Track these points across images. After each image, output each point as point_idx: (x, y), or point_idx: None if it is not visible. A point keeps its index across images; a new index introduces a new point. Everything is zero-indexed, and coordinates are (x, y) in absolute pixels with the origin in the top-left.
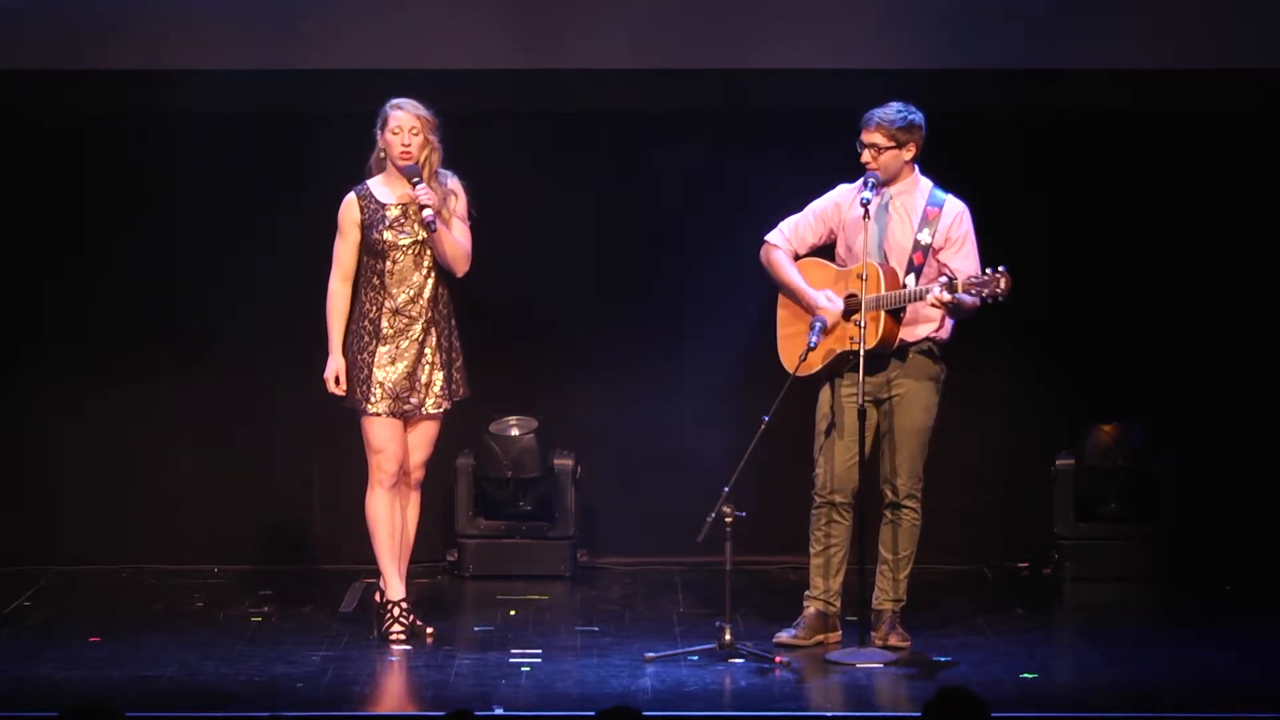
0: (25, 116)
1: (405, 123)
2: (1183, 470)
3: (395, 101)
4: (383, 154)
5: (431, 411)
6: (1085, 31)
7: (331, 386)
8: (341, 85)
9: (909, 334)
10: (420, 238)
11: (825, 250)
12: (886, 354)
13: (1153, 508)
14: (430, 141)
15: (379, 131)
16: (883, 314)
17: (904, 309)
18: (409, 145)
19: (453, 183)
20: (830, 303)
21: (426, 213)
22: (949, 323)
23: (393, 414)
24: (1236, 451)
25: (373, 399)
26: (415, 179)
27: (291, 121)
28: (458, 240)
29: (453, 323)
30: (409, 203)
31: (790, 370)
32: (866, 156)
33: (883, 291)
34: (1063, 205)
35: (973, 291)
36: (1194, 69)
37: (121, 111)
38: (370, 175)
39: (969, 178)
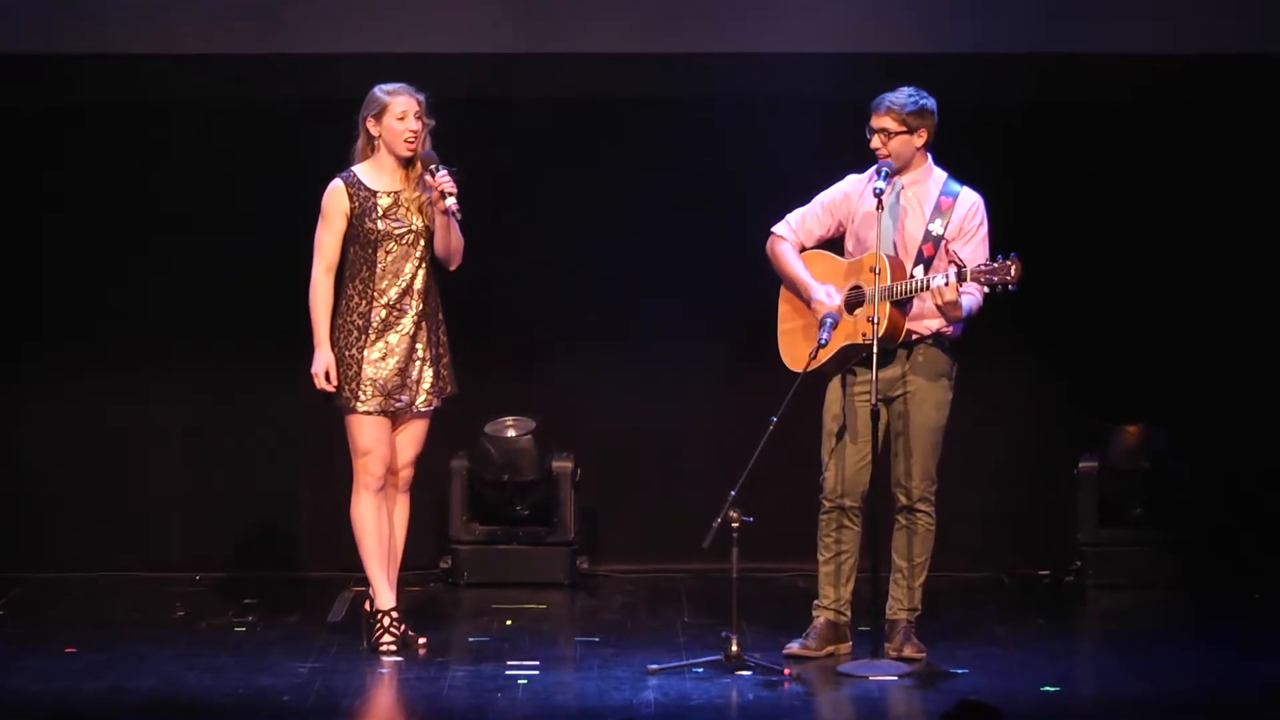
0: (5, 106)
1: (410, 108)
2: (1210, 473)
3: (390, 87)
4: (377, 141)
5: (422, 409)
6: (1119, 16)
7: (321, 382)
8: (326, 70)
9: (917, 326)
10: (414, 227)
11: (832, 243)
12: (893, 347)
13: (1179, 512)
14: (427, 124)
15: (371, 119)
16: (887, 305)
17: (911, 300)
18: (416, 131)
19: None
20: (829, 298)
21: (450, 202)
22: None
23: (383, 412)
24: (1265, 454)
25: (363, 397)
26: (434, 165)
27: (279, 108)
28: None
29: (440, 317)
30: (405, 190)
31: (795, 368)
32: (876, 142)
33: (889, 282)
34: (1090, 199)
35: (982, 279)
36: (1230, 54)
37: (105, 101)
38: (355, 162)
39: (990, 169)
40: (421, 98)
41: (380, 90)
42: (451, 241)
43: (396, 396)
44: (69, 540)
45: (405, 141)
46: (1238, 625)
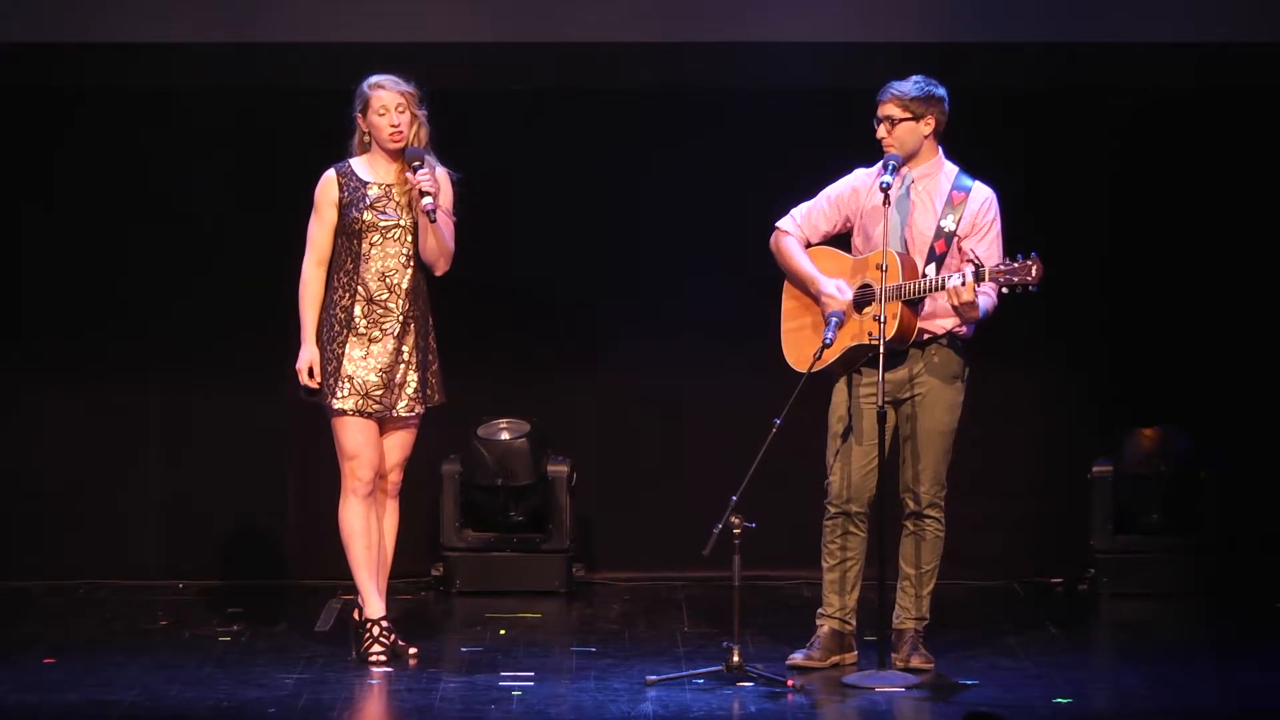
0: None
1: (390, 101)
2: (1229, 478)
3: (374, 80)
4: (367, 138)
5: (403, 415)
6: (1138, 4)
7: (304, 378)
8: (326, 59)
9: (930, 325)
10: (401, 222)
11: (839, 240)
12: (904, 348)
13: (1197, 518)
14: (417, 116)
15: (359, 114)
16: (900, 305)
17: (923, 300)
18: (399, 125)
19: (439, 173)
20: (840, 293)
21: (426, 201)
22: None
23: (360, 412)
24: None
25: (340, 394)
26: (416, 162)
27: (269, 99)
28: (446, 236)
29: (430, 323)
30: (396, 184)
31: (799, 368)
32: (881, 131)
33: (901, 282)
34: (1109, 195)
35: (1001, 279)
36: (1265, 43)
37: (88, 89)
38: (353, 155)
39: (1005, 163)
40: (408, 89)
41: (364, 84)
42: (429, 243)
43: (375, 399)
44: (46, 548)
45: (390, 136)
46: (1258, 636)
